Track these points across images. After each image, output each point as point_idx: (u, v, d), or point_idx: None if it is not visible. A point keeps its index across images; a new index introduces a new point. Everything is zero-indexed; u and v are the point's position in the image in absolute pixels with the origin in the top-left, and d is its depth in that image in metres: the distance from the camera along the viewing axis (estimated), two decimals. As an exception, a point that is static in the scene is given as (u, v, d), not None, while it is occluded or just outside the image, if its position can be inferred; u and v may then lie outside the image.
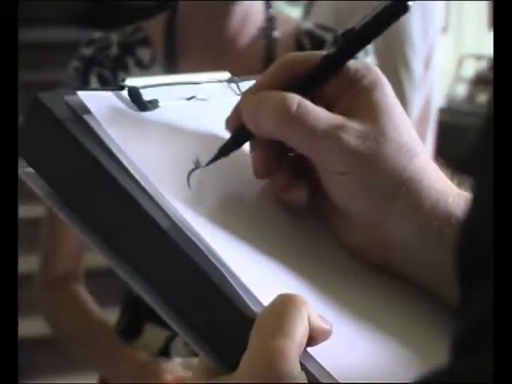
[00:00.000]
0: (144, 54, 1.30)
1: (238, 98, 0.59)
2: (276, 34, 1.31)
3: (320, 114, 0.52)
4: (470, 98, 4.64)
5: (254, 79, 0.61)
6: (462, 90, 4.75)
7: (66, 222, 0.51)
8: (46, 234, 1.33)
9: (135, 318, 1.32)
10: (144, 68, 1.29)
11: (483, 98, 4.74)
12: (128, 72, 1.28)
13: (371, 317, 0.51)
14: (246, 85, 0.61)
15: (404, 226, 0.52)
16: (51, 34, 4.46)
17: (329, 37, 1.32)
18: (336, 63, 0.54)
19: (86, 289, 1.33)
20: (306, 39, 1.32)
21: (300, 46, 1.31)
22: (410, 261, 0.53)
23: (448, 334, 0.51)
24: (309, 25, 1.35)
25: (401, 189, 0.52)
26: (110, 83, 1.26)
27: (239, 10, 1.27)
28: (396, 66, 2.01)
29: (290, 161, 0.56)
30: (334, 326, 0.46)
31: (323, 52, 0.55)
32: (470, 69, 4.84)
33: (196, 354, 0.49)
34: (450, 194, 0.53)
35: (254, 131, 0.53)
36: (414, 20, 2.04)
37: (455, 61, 4.93)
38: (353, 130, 0.52)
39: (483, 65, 4.79)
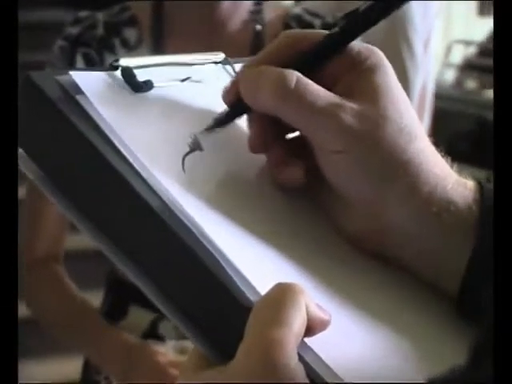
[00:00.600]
0: (130, 34, 1.29)
1: None
2: (264, 18, 1.31)
3: (318, 92, 0.51)
4: (458, 83, 4.64)
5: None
6: (450, 76, 4.75)
7: (56, 205, 0.50)
8: (26, 215, 1.32)
9: (120, 300, 1.32)
10: (130, 49, 1.28)
11: (471, 84, 4.74)
12: (114, 52, 1.27)
13: (369, 306, 0.50)
14: (241, 66, 0.61)
15: (401, 210, 0.51)
16: (38, 15, 4.44)
17: (317, 22, 1.31)
18: (339, 43, 0.53)
19: (66, 272, 1.32)
20: (294, 24, 1.31)
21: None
22: (407, 247, 0.52)
23: (446, 324, 0.51)
24: (298, 10, 1.34)
25: (399, 171, 0.51)
26: (96, 64, 1.25)
27: None
28: (398, 45, 2.01)
29: (287, 139, 0.55)
30: (332, 315, 0.45)
31: (325, 31, 0.54)
32: (459, 55, 4.84)
33: (187, 337, 0.48)
34: (449, 179, 0.52)
35: (251, 105, 0.53)
36: (415, 2, 2.05)
37: (444, 47, 4.93)
38: (351, 109, 0.51)
39: (472, 51, 4.80)
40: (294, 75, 0.51)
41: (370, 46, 0.54)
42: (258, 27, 1.29)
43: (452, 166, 0.53)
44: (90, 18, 1.29)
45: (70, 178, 0.50)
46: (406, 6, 2.22)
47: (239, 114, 0.55)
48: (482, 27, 4.80)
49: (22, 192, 1.39)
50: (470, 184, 0.52)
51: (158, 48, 1.26)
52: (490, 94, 4.54)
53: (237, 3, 1.27)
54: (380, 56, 0.53)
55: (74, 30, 1.28)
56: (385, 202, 0.51)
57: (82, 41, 1.27)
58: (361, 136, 0.50)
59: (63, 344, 1.44)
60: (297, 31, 0.56)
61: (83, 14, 1.30)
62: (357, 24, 0.53)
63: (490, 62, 4.52)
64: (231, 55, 0.62)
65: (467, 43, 4.86)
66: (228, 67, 0.61)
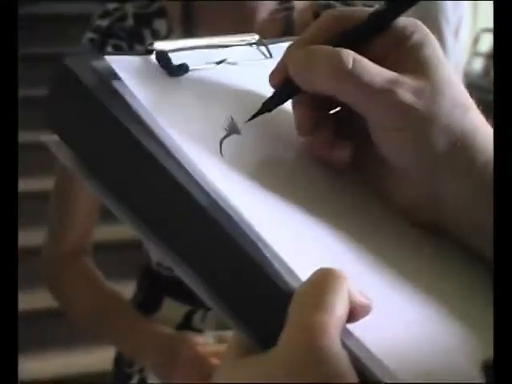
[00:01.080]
0: (160, 25, 1.29)
1: (269, 61, 0.57)
2: (294, 7, 1.30)
3: (376, 70, 0.51)
4: (487, 72, 4.61)
5: (284, 41, 0.59)
6: (478, 65, 4.71)
7: (93, 193, 0.49)
8: (54, 208, 1.31)
9: (153, 292, 1.31)
10: (161, 39, 1.27)
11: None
12: (144, 43, 1.26)
13: (421, 285, 0.49)
14: (276, 47, 0.60)
15: (458, 181, 0.51)
16: (66, 8, 4.45)
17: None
18: (385, 20, 0.53)
19: (98, 263, 1.32)
20: (323, 12, 1.30)
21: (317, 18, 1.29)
22: (462, 219, 0.52)
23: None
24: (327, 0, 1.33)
25: (456, 144, 0.51)
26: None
27: None
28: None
29: (332, 119, 0.55)
30: (381, 299, 0.45)
31: (366, 9, 0.54)
32: (487, 43, 4.80)
33: (225, 328, 0.48)
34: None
35: (305, 87, 0.52)
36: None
37: (472, 36, 4.89)
38: (408, 85, 0.51)
39: (500, 39, 4.76)
40: (350, 54, 0.51)
41: (414, 20, 0.53)
42: (288, 20, 1.28)
43: None
44: (119, 10, 1.29)
45: (106, 164, 0.49)
46: None
47: (288, 97, 0.54)
48: (511, 15, 4.75)
49: (22, 185, 1.38)
50: None
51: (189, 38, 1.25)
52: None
53: None
54: (425, 30, 0.53)
55: (103, 23, 1.28)
56: (442, 175, 0.51)
57: (112, 32, 1.27)
58: (418, 112, 0.50)
59: (95, 338, 1.44)
60: (341, 10, 0.56)
61: (112, 5, 1.30)
62: (402, 0, 0.52)
63: None
64: None
65: (495, 32, 4.83)
66: (263, 48, 0.60)
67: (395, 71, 0.52)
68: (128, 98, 0.49)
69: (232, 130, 0.52)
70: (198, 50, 0.56)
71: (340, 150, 0.54)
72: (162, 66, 0.53)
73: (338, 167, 0.54)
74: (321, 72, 0.51)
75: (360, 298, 0.43)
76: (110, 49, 1.26)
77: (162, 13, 1.30)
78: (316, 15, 1.30)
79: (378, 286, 0.48)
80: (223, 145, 0.51)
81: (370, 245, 0.51)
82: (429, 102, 0.51)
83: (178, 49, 0.54)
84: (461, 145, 0.51)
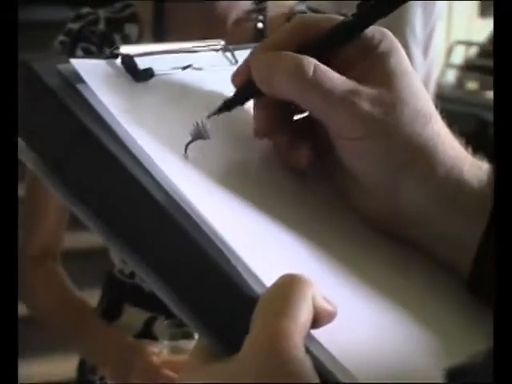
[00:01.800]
0: (131, 30, 1.30)
1: (234, 67, 0.57)
2: (267, 14, 1.30)
3: (336, 79, 0.51)
4: (460, 84, 4.64)
5: (250, 48, 0.59)
6: (451, 77, 4.74)
7: (58, 198, 0.49)
8: (25, 211, 1.32)
9: (115, 299, 1.31)
10: (131, 44, 1.28)
11: (472, 84, 4.73)
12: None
13: (382, 290, 0.50)
14: (241, 53, 0.60)
15: (418, 192, 0.51)
16: (39, 14, 4.43)
17: None
18: (353, 31, 0.53)
19: (64, 270, 1.32)
20: None
21: None
22: (423, 228, 0.52)
23: (460, 307, 0.51)
24: (302, 7, 1.34)
25: (416, 154, 0.51)
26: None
27: None
28: None
29: (293, 122, 0.55)
30: (344, 304, 0.45)
31: (336, 17, 0.54)
32: (460, 55, 4.84)
33: (182, 338, 0.47)
34: (465, 161, 0.52)
35: (265, 91, 0.52)
36: (417, 5, 2.04)
37: (445, 47, 4.93)
38: (368, 95, 0.51)
39: (473, 51, 4.79)
40: (312, 62, 0.51)
41: (382, 29, 0.53)
42: (260, 25, 1.29)
43: (466, 148, 0.53)
44: (91, 14, 1.30)
45: (70, 168, 0.49)
46: (406, 9, 2.19)
47: (248, 97, 0.54)
48: (484, 28, 4.79)
49: (22, 190, 1.38)
50: (485, 166, 0.52)
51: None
52: (490, 95, 4.54)
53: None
54: (393, 39, 0.53)
55: (74, 26, 1.29)
56: (402, 184, 0.51)
57: (83, 36, 1.28)
58: (378, 122, 0.50)
59: (60, 342, 1.44)
60: (309, 16, 0.56)
61: (84, 10, 1.31)
62: (372, 11, 0.52)
63: (490, 62, 4.52)
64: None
65: (469, 44, 4.86)
66: (228, 54, 0.60)
67: (361, 79, 0.52)
68: (92, 101, 0.49)
69: (198, 134, 0.52)
70: (164, 55, 0.56)
71: (300, 152, 0.54)
72: (127, 71, 0.53)
73: (299, 169, 0.54)
74: (281, 78, 0.51)
75: (324, 304, 0.43)
76: (79, 52, 1.27)
77: (133, 18, 1.31)
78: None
79: (342, 291, 0.48)
80: (188, 149, 0.51)
81: (334, 250, 0.50)
82: (389, 111, 0.51)
83: (144, 53, 0.54)
84: (421, 155, 0.51)
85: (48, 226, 1.31)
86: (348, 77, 0.52)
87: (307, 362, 0.41)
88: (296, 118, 0.56)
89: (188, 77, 0.56)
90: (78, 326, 1.27)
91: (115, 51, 0.53)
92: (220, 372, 0.43)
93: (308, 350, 0.41)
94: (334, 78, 0.51)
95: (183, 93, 0.55)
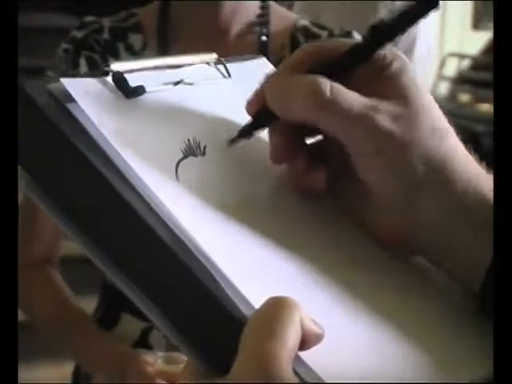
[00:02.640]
0: (135, 39, 1.29)
1: (227, 80, 0.58)
2: (270, 28, 1.31)
3: (353, 97, 0.52)
4: (452, 96, 4.65)
5: (243, 60, 0.60)
6: (443, 89, 4.76)
7: (46, 213, 0.49)
8: (22, 217, 1.31)
9: (112, 308, 1.31)
10: (135, 54, 1.28)
11: (465, 97, 4.75)
12: (118, 57, 1.27)
13: (378, 311, 0.50)
14: (234, 66, 0.60)
15: (435, 208, 0.52)
16: (41, 21, 4.42)
17: (324, 34, 1.31)
18: (365, 53, 0.53)
19: (62, 277, 1.32)
20: (300, 35, 1.31)
21: (295, 42, 1.31)
22: (438, 243, 0.53)
23: (467, 330, 0.51)
24: (305, 22, 1.34)
25: (433, 170, 0.52)
26: (99, 67, 1.25)
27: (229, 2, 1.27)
28: None
29: (308, 146, 0.55)
30: (334, 326, 0.45)
31: (346, 41, 0.54)
32: (453, 68, 4.85)
33: (178, 349, 0.48)
34: (480, 176, 0.52)
35: (282, 115, 0.53)
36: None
37: (438, 60, 4.94)
38: (386, 111, 0.51)
39: (466, 64, 4.81)
40: (327, 82, 0.51)
41: (393, 48, 0.54)
42: (264, 38, 1.29)
43: (480, 163, 0.54)
44: (95, 23, 1.30)
45: (60, 187, 0.49)
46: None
47: (265, 124, 0.54)
48: (477, 41, 4.81)
49: (21, 196, 1.39)
50: None
51: (163, 53, 1.26)
52: (483, 107, 4.55)
53: (239, 6, 1.27)
54: (403, 59, 0.54)
55: (79, 34, 1.28)
56: (419, 200, 0.52)
57: (86, 44, 1.27)
58: (396, 138, 0.51)
59: (55, 348, 1.44)
60: (319, 43, 0.56)
61: (89, 18, 1.31)
62: (383, 34, 0.53)
63: (483, 75, 4.53)
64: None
65: (461, 56, 4.87)
66: (221, 67, 0.60)
67: (375, 96, 0.52)
68: (82, 121, 0.49)
69: (189, 152, 0.52)
70: (155, 71, 0.56)
71: (317, 176, 0.54)
72: (118, 88, 0.52)
73: (314, 193, 0.54)
74: (298, 101, 0.52)
75: (312, 327, 0.44)
76: (82, 60, 1.26)
77: (138, 28, 1.31)
78: (292, 38, 1.31)
79: (332, 313, 0.48)
80: (180, 167, 0.51)
81: (332, 272, 0.51)
82: (407, 127, 0.51)
83: (135, 70, 0.54)
84: (438, 171, 0.52)
85: (46, 232, 1.30)
86: (363, 94, 0.52)
87: (293, 382, 0.41)
88: (309, 141, 0.56)
89: (180, 92, 0.56)
90: (73, 332, 1.27)
91: (106, 68, 0.53)
92: None
93: (296, 372, 0.42)
94: (350, 95, 0.52)
95: (175, 109, 0.55)
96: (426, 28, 2.18)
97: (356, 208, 0.55)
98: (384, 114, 0.51)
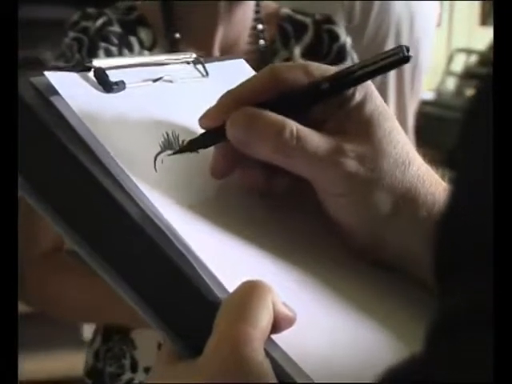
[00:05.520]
0: (145, 34, 1.28)
1: (205, 79, 0.60)
2: (261, 21, 1.32)
3: (318, 141, 0.52)
4: (459, 92, 4.65)
5: (221, 60, 0.63)
6: (451, 84, 4.75)
7: (34, 206, 0.50)
8: (26, 211, 1.30)
9: None
10: (146, 49, 1.27)
11: (472, 92, 4.74)
12: (132, 51, 1.26)
13: (346, 297, 0.52)
14: (212, 66, 0.62)
15: (404, 234, 0.53)
16: (40, 12, 4.42)
17: (308, 21, 1.33)
18: (328, 95, 0.53)
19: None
20: (287, 25, 1.33)
21: (283, 32, 1.32)
22: (405, 259, 0.54)
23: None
24: (287, 10, 1.35)
25: (398, 202, 0.53)
26: None
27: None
28: None
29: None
30: (302, 309, 0.47)
31: (305, 67, 0.54)
32: (461, 63, 4.84)
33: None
34: (444, 194, 0.53)
35: (243, 150, 0.53)
36: (404, 18, 2.05)
37: (446, 55, 4.93)
38: (351, 152, 0.52)
39: (473, 60, 4.80)
40: (294, 128, 0.52)
41: None
42: (262, 43, 1.31)
43: (443, 176, 0.55)
44: (103, 15, 1.27)
45: (46, 182, 0.50)
46: (392, 21, 2.16)
47: (213, 142, 0.55)
48: (484, 37, 4.80)
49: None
50: None
51: (173, 49, 1.26)
52: (490, 103, 4.52)
53: (245, 18, 1.29)
54: (366, 86, 0.54)
55: (90, 24, 1.25)
56: (388, 230, 0.53)
57: (103, 36, 1.25)
58: (361, 179, 0.52)
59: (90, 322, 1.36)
60: (281, 67, 0.55)
61: (91, 10, 1.28)
62: (350, 81, 0.53)
63: (490, 71, 4.50)
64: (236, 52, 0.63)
65: (469, 52, 4.87)
66: (200, 67, 0.62)
67: (338, 131, 0.53)
68: (66, 113, 0.50)
69: (167, 146, 0.54)
70: (136, 68, 0.58)
71: (272, 182, 0.55)
72: (99, 83, 0.54)
73: (276, 195, 0.56)
74: (262, 144, 0.52)
75: (284, 310, 0.45)
76: (101, 53, 1.24)
77: (143, 21, 1.29)
78: (280, 28, 1.32)
79: (303, 297, 0.49)
80: (158, 160, 0.53)
81: (301, 261, 0.52)
82: (371, 166, 0.52)
83: (116, 66, 0.56)
84: (403, 202, 0.53)
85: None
86: (325, 128, 0.53)
87: (265, 364, 0.43)
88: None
89: (159, 89, 0.58)
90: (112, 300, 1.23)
91: (88, 64, 0.55)
92: (183, 372, 0.45)
93: (267, 353, 0.43)
94: (316, 139, 0.52)
95: (154, 105, 0.57)
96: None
97: (325, 219, 0.55)
98: (350, 157, 0.52)
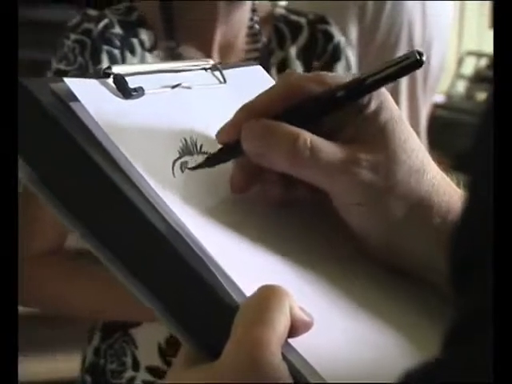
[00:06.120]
0: (146, 36, 1.28)
1: (223, 85, 0.60)
2: (258, 21, 1.33)
3: (333, 152, 0.52)
4: (469, 95, 4.64)
5: (237, 66, 0.63)
6: (461, 87, 4.75)
7: (51, 211, 0.51)
8: (28, 211, 1.26)
9: None
10: (147, 51, 1.27)
11: (482, 95, 4.73)
12: (134, 53, 1.26)
13: (362, 303, 0.52)
14: (229, 73, 0.63)
15: (418, 240, 0.54)
16: (39, 13, 4.43)
17: (303, 21, 1.34)
18: (343, 103, 0.53)
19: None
20: (282, 25, 1.34)
21: (278, 32, 1.33)
22: (420, 265, 0.54)
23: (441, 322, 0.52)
24: (281, 10, 1.36)
25: (413, 210, 0.53)
26: (118, 63, 1.24)
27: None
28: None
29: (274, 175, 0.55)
30: (319, 314, 0.47)
31: (323, 77, 0.54)
32: (471, 66, 4.84)
33: None
34: (459, 202, 0.53)
35: (259, 163, 0.53)
36: (417, 18, 2.04)
37: (455, 58, 4.93)
38: (365, 161, 0.52)
39: (484, 63, 4.79)
40: (308, 139, 0.52)
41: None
42: (262, 42, 1.31)
43: (458, 182, 0.55)
44: (104, 16, 1.26)
45: (64, 184, 0.51)
46: (405, 23, 2.16)
47: (232, 157, 0.55)
48: (494, 40, 4.79)
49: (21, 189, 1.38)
50: None
51: (173, 51, 1.26)
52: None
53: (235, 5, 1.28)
54: (381, 94, 0.54)
55: (92, 27, 1.24)
56: (402, 236, 0.54)
57: (106, 39, 1.24)
58: (376, 188, 0.52)
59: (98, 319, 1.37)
60: (297, 77, 0.55)
61: (91, 11, 1.27)
62: (365, 88, 0.53)
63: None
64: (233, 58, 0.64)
65: (479, 55, 4.86)
66: (217, 73, 0.63)
67: (353, 139, 0.53)
68: (85, 119, 0.50)
69: (185, 151, 0.54)
70: (154, 74, 0.58)
71: (289, 194, 0.55)
72: (118, 89, 0.54)
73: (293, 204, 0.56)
74: (277, 156, 0.52)
75: (301, 315, 0.46)
76: (104, 56, 1.24)
77: (143, 22, 1.29)
78: (276, 28, 1.33)
79: (319, 303, 0.50)
80: (176, 166, 0.53)
81: (318, 267, 0.53)
82: (386, 176, 0.52)
83: (135, 73, 0.56)
84: (417, 210, 0.53)
85: (52, 224, 1.25)
86: (340, 136, 0.53)
87: (282, 368, 0.43)
88: None
89: (177, 95, 0.58)
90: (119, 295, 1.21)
91: (107, 70, 0.55)
92: (201, 375, 0.45)
93: (284, 357, 0.44)
94: (330, 150, 0.52)
95: (172, 111, 0.57)
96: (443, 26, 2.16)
97: (341, 225, 0.55)
98: (365, 167, 0.52)
